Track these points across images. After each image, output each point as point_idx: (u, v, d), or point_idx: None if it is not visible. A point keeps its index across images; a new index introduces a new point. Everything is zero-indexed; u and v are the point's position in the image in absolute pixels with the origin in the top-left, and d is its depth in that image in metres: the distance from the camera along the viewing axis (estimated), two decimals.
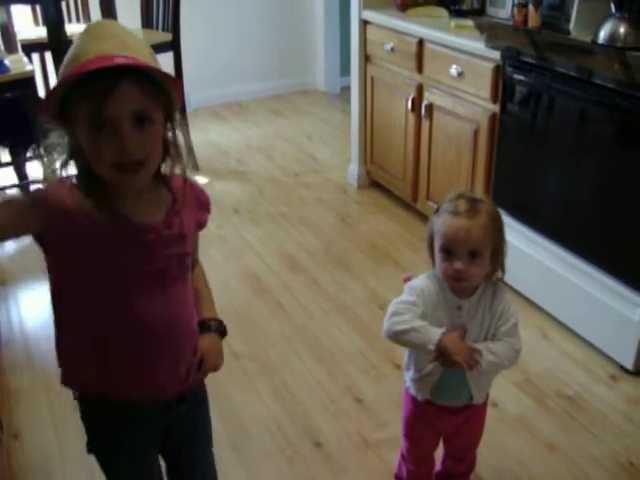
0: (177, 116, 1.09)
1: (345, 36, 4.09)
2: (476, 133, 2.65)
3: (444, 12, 3.05)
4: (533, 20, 2.59)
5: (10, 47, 3.67)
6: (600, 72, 2.10)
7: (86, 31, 1.03)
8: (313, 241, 3.08)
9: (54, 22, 3.09)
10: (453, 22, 2.84)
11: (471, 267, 1.34)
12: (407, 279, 1.47)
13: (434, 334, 1.33)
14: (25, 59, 3.27)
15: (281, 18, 5.09)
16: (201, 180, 3.59)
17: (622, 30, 2.29)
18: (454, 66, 2.67)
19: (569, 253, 2.31)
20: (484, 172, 2.66)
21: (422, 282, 1.43)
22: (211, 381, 1.30)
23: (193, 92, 4.75)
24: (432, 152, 2.96)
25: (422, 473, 1.68)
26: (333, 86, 5.33)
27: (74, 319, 1.13)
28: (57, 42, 3.06)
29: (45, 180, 1.06)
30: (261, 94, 5.18)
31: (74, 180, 1.07)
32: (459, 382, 1.45)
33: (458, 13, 3.04)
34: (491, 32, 2.67)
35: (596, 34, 2.35)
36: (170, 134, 1.09)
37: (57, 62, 3.00)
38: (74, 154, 1.05)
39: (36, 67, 3.75)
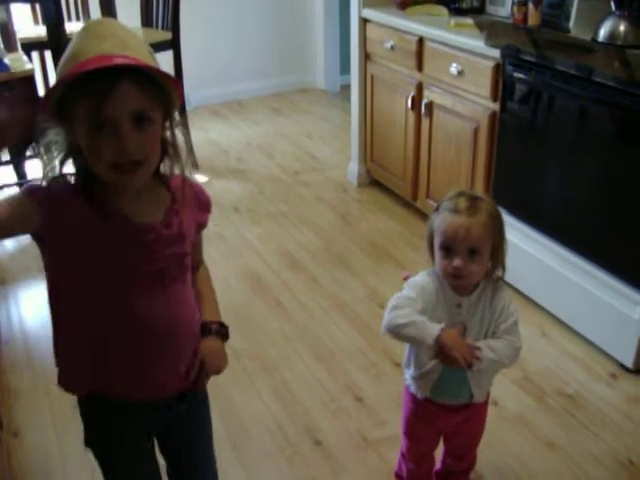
0: (176, 116, 1.09)
1: (345, 34, 4.08)
2: (476, 131, 2.65)
3: (444, 10, 3.05)
4: (533, 18, 2.59)
5: (10, 46, 3.66)
6: (600, 70, 2.10)
7: (85, 29, 1.02)
8: (313, 239, 3.08)
9: (54, 21, 3.08)
10: (453, 20, 2.84)
11: (470, 265, 1.34)
12: (406, 278, 1.47)
13: (433, 329, 1.33)
14: (25, 58, 3.26)
15: (281, 16, 5.09)
16: (201, 179, 3.60)
17: (622, 28, 2.28)
18: (454, 64, 2.67)
19: (569, 251, 2.31)
20: (484, 170, 2.66)
21: (422, 279, 1.43)
22: (211, 381, 1.30)
23: (193, 90, 4.75)
24: (432, 150, 2.96)
25: (422, 471, 1.68)
26: (333, 84, 5.32)
27: (72, 319, 1.12)
28: (57, 41, 3.05)
29: (44, 179, 1.06)
30: (261, 92, 5.18)
31: (73, 179, 1.07)
32: (459, 380, 1.45)
33: (458, 11, 3.04)
34: (491, 30, 2.67)
35: (596, 32, 2.35)
36: (169, 134, 1.09)
37: (57, 61, 2.98)
38: (72, 152, 1.05)
39: (36, 66, 3.74)
